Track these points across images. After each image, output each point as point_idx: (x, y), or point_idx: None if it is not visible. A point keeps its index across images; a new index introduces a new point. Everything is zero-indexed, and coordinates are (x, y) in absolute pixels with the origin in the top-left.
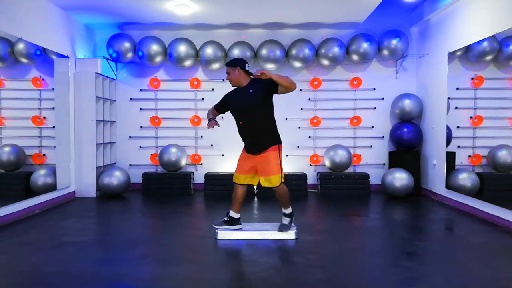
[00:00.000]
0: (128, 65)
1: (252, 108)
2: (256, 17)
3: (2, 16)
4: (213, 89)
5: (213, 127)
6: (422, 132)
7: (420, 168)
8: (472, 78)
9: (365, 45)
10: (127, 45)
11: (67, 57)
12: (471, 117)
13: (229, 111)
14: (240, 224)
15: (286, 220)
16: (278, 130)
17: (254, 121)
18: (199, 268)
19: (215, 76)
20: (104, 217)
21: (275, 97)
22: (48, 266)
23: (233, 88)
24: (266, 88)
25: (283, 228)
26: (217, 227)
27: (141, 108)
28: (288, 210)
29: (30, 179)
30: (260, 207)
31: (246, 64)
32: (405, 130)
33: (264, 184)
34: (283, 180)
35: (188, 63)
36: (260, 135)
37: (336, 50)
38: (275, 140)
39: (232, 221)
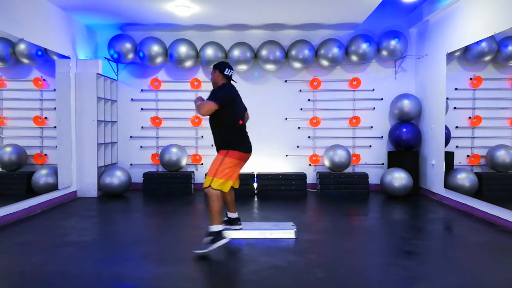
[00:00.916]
0: (129, 66)
1: None
2: (256, 18)
3: (3, 16)
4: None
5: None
6: (421, 132)
7: (419, 168)
8: (471, 79)
9: (364, 46)
10: (128, 46)
11: (68, 57)
12: (469, 117)
13: None
14: (240, 224)
15: (206, 239)
16: (237, 136)
17: (210, 121)
18: (199, 267)
19: None
20: (105, 217)
21: (275, 96)
22: (49, 265)
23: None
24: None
25: (199, 248)
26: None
27: (142, 109)
28: (213, 227)
29: (31, 179)
30: (260, 207)
31: (227, 69)
32: (404, 130)
33: (235, 185)
34: (215, 186)
35: (188, 63)
36: (214, 135)
37: (335, 50)
38: (225, 145)
39: (231, 221)
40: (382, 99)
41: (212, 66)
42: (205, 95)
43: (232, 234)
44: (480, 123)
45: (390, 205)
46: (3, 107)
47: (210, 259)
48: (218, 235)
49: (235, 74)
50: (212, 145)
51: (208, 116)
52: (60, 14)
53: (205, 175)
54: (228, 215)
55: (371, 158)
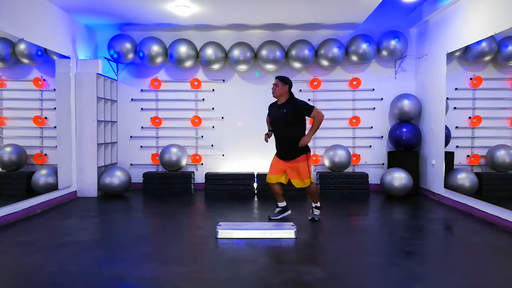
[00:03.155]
0: (129, 66)
1: (283, 124)
2: (256, 18)
3: (3, 17)
4: (213, 90)
5: (266, 140)
6: (421, 132)
7: (419, 168)
8: (471, 79)
9: (364, 46)
10: (128, 46)
11: (68, 57)
12: (469, 117)
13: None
14: (289, 209)
15: (317, 211)
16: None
17: (285, 134)
18: (199, 267)
19: (216, 76)
20: (105, 217)
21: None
22: (49, 266)
23: (275, 100)
24: (297, 112)
25: (314, 217)
26: (274, 218)
27: (142, 109)
28: (319, 204)
29: (31, 179)
30: (260, 206)
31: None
32: (404, 130)
33: (298, 185)
34: (312, 180)
35: (188, 63)
36: (289, 146)
37: (335, 50)
38: (303, 150)
39: (284, 209)
40: (382, 99)
41: (279, 78)
42: (205, 95)
43: (233, 233)
44: (480, 123)
45: (390, 205)
46: (3, 107)
47: (210, 258)
48: (320, 208)
49: (235, 75)
50: (212, 145)
51: (281, 129)
52: (60, 14)
53: (298, 179)
54: (280, 205)
55: (371, 158)
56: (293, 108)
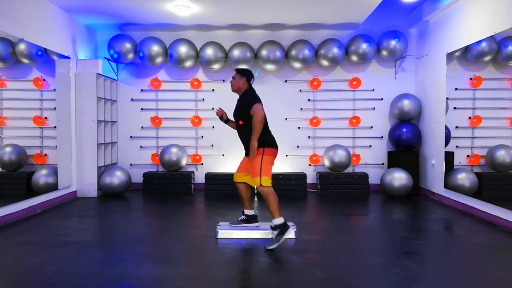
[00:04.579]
0: (129, 66)
1: (236, 118)
2: (256, 18)
3: (3, 17)
4: (213, 90)
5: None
6: (421, 132)
7: (419, 168)
8: (471, 79)
9: (364, 46)
10: (128, 46)
11: (68, 57)
12: (469, 117)
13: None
14: (257, 222)
15: (274, 233)
16: (268, 134)
17: (239, 128)
18: (199, 267)
19: (216, 76)
20: (105, 217)
21: (275, 96)
22: (49, 265)
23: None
24: (244, 106)
25: (270, 244)
26: (234, 225)
27: (142, 109)
28: (277, 220)
29: (31, 179)
30: (260, 206)
31: (252, 79)
32: (404, 130)
33: (251, 183)
34: (265, 183)
35: (188, 63)
36: (245, 141)
37: (335, 50)
38: (260, 144)
39: (250, 219)
40: (382, 99)
41: (237, 70)
42: (205, 95)
43: (233, 234)
44: (480, 123)
45: (390, 205)
46: (3, 107)
47: (210, 258)
48: (284, 226)
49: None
50: (212, 145)
51: (237, 122)
52: (60, 14)
53: (251, 176)
54: (246, 213)
55: (371, 158)
56: (242, 102)
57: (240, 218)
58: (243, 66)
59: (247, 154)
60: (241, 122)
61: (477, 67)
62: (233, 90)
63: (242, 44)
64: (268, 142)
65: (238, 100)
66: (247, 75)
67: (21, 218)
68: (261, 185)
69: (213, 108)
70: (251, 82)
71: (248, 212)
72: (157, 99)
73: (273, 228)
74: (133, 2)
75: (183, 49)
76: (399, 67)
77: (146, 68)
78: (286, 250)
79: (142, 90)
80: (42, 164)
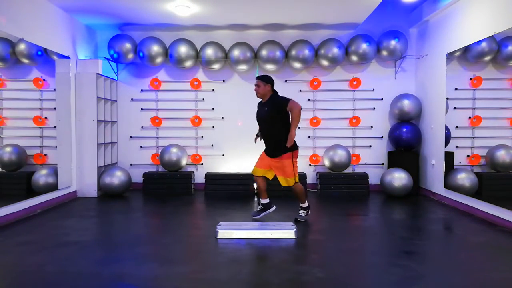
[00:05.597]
0: (129, 66)
1: (266, 122)
2: (256, 18)
3: (3, 16)
4: (213, 90)
5: (255, 141)
6: (421, 132)
7: (419, 168)
8: (471, 79)
9: (364, 46)
10: (128, 46)
11: (68, 57)
12: (469, 117)
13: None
14: (273, 206)
15: (302, 212)
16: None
17: (269, 132)
18: (199, 267)
19: (216, 76)
20: (105, 217)
21: None
22: (49, 265)
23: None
24: (276, 108)
25: (298, 217)
26: (256, 217)
27: (142, 109)
28: (305, 204)
29: (31, 179)
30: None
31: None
32: (404, 130)
33: (283, 183)
34: (297, 180)
35: (188, 63)
36: (275, 144)
37: (335, 50)
38: (289, 148)
39: (266, 207)
40: (382, 99)
41: (260, 78)
42: (205, 95)
43: (233, 233)
44: (480, 123)
45: (390, 205)
46: (3, 107)
47: (210, 258)
48: (308, 208)
49: (235, 75)
50: (212, 145)
51: (266, 127)
52: (60, 14)
53: (283, 176)
54: (262, 202)
55: (371, 158)
56: (273, 105)
57: (258, 209)
58: (244, 66)
59: (270, 154)
60: (271, 125)
61: (477, 67)
62: (258, 97)
63: (242, 44)
64: (295, 145)
65: (262, 105)
66: (270, 81)
67: (21, 218)
68: (295, 183)
69: (213, 108)
70: (274, 88)
71: (264, 201)
72: (157, 99)
73: (302, 208)
74: (133, 2)
75: (183, 49)
76: (399, 67)
77: (146, 68)
78: (286, 249)
79: (142, 90)
80: (42, 164)
